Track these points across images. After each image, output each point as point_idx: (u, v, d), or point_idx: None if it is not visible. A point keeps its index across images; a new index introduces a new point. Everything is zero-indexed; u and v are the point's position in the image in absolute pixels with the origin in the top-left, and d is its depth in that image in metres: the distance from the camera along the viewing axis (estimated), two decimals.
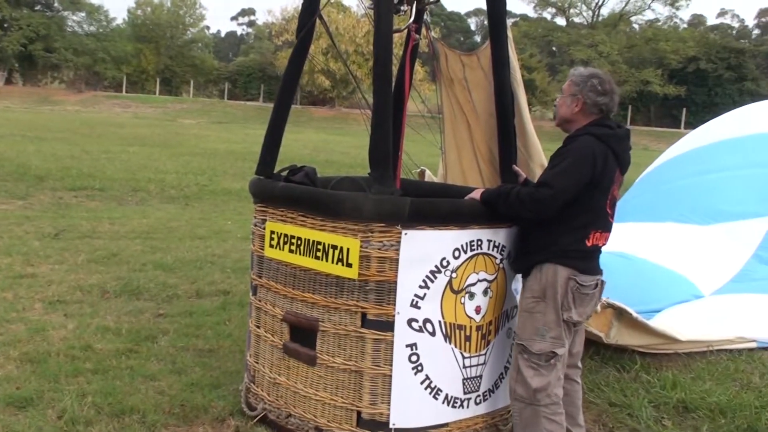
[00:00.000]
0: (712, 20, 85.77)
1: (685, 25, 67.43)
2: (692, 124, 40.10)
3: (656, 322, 5.31)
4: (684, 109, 49.71)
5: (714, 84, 52.77)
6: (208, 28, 78.83)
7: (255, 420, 3.80)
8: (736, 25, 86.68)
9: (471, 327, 3.50)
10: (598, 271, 3.46)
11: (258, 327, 3.89)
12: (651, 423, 4.15)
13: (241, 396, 4.01)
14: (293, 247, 3.59)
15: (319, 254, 3.46)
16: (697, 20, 79.31)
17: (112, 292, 6.23)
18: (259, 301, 3.88)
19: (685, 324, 5.50)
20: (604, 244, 3.47)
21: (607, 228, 3.44)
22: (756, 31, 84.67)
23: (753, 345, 5.48)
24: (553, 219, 3.31)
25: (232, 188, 13.73)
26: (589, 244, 3.36)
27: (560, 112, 3.49)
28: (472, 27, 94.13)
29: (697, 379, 4.81)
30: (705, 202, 8.84)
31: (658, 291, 6.43)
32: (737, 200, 8.66)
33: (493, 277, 3.55)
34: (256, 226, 3.91)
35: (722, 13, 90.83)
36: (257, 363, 3.90)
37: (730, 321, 5.76)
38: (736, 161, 9.35)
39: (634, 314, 4.88)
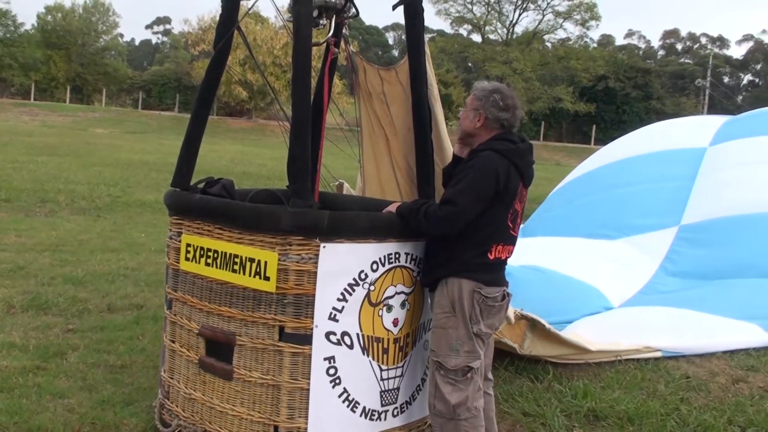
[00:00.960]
0: (620, 40, 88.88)
1: (595, 45, 69.68)
2: (602, 141, 41.48)
3: (568, 333, 5.45)
4: (594, 126, 51.30)
5: (622, 102, 54.74)
6: (121, 35, 77.33)
7: None
8: (642, 45, 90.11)
9: (389, 339, 3.52)
10: (503, 283, 3.51)
11: (173, 342, 3.82)
12: (563, 431, 4.24)
13: (155, 413, 3.92)
14: (210, 260, 3.54)
15: (236, 267, 3.42)
16: (606, 40, 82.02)
17: (18, 306, 6.00)
18: (174, 315, 3.81)
19: (595, 335, 5.66)
20: (507, 257, 3.53)
21: (509, 241, 3.49)
22: (661, 52, 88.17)
23: (659, 354, 5.68)
24: (455, 234, 3.35)
25: (146, 200, 13.42)
26: (491, 257, 3.40)
27: (463, 125, 3.53)
28: (390, 41, 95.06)
29: (607, 388, 4.96)
30: (614, 217, 9.19)
31: (570, 303, 6.61)
32: (644, 213, 9.04)
33: (411, 289, 3.58)
34: (171, 238, 3.84)
35: (630, 34, 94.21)
36: (172, 378, 3.82)
37: (637, 331, 5.96)
38: (643, 176, 9.78)
39: (547, 325, 5.00)
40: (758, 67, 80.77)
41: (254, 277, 3.35)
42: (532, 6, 58.47)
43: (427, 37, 4.30)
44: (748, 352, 5.94)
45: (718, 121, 11.30)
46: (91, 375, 4.61)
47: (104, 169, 18.04)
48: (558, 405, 4.59)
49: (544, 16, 58.80)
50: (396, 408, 3.62)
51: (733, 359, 5.77)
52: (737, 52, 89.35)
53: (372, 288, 3.42)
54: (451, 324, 3.37)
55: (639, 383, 5.11)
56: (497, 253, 3.42)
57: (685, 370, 5.46)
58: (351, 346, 3.39)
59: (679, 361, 5.65)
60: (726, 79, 75.36)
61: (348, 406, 3.42)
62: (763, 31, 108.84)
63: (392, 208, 3.57)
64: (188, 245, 3.67)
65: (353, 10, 4.18)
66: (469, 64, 60.44)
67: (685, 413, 4.58)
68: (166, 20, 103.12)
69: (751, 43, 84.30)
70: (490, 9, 59.87)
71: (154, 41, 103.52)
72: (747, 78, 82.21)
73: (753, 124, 10.63)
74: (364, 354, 3.43)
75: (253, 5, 4.10)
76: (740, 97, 72.30)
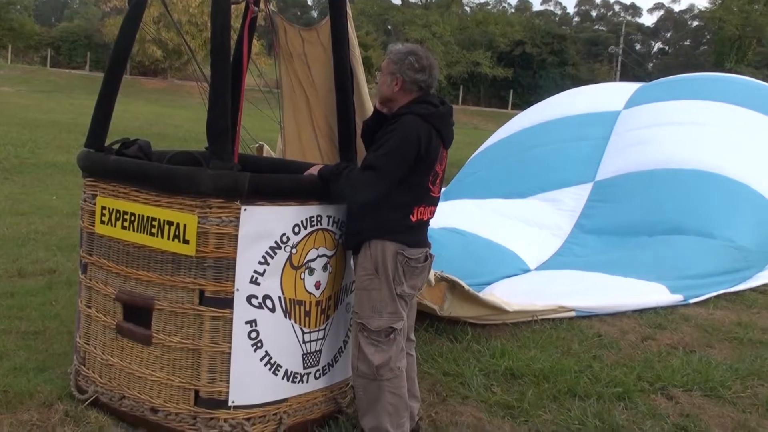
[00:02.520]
0: (537, 6, 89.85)
1: (513, 10, 70.39)
2: (519, 105, 42.11)
3: (486, 295, 5.56)
4: (511, 91, 51.96)
5: (538, 67, 55.56)
6: None
7: (86, 403, 3.64)
8: (558, 12, 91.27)
9: (311, 302, 3.51)
10: (425, 244, 3.53)
11: (88, 307, 3.73)
12: (481, 390, 4.34)
13: (71, 379, 3.83)
14: (126, 224, 3.46)
15: (154, 231, 3.35)
16: (523, 6, 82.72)
17: None
18: (90, 279, 3.71)
19: (512, 296, 5.79)
20: (430, 218, 3.55)
21: (431, 202, 3.51)
22: (576, 19, 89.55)
23: (572, 314, 5.86)
24: (378, 198, 3.35)
25: (57, 161, 12.97)
26: (413, 219, 3.41)
27: (381, 90, 3.49)
28: (309, 2, 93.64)
29: (523, 348, 5.09)
30: (532, 174, 9.48)
31: (489, 265, 6.74)
32: (561, 169, 9.31)
33: (333, 252, 3.58)
34: (85, 201, 3.73)
35: (546, 0, 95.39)
36: (88, 344, 3.74)
37: (552, 293, 6.12)
38: (560, 136, 10.08)
39: (466, 287, 5.08)
40: (668, 35, 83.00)
41: (173, 240, 3.29)
42: None
43: None
44: (656, 310, 6.19)
45: (632, 87, 11.80)
46: (2, 342, 4.46)
47: (11, 129, 17.31)
48: (477, 364, 4.69)
49: None
50: (318, 370, 3.63)
51: (642, 318, 6.00)
52: (649, 20, 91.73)
53: (294, 251, 3.40)
54: (375, 285, 3.39)
55: (554, 342, 5.27)
56: (419, 215, 3.44)
57: (597, 329, 5.65)
58: (273, 310, 3.37)
59: (592, 320, 5.84)
60: (638, 47, 77.18)
61: (270, 369, 3.41)
62: (673, 0, 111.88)
63: (314, 170, 3.54)
64: (103, 208, 3.57)
65: None
66: (389, 27, 60.19)
67: (598, 370, 4.75)
68: None
69: (661, 12, 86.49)
70: None
71: None
72: (658, 45, 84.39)
73: (664, 89, 11.13)
74: (286, 317, 3.42)
75: None
76: (651, 64, 74.24)
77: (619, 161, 9.14)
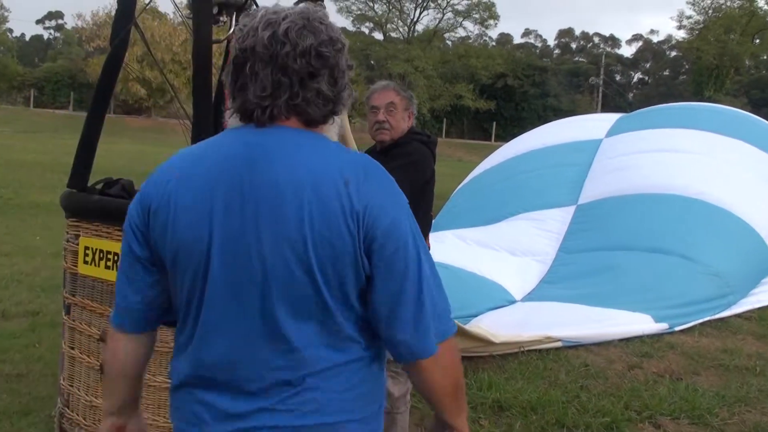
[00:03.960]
0: (518, 39, 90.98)
1: (494, 43, 71.15)
2: (502, 137, 42.42)
3: (472, 327, 5.56)
4: (494, 123, 52.33)
5: (520, 99, 56.01)
6: (11, 30, 74.10)
7: None
8: (539, 44, 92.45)
9: None
10: None
11: (72, 348, 3.70)
12: (469, 423, 4.31)
13: (55, 422, 3.79)
14: (110, 263, 3.45)
15: None
16: (504, 39, 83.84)
17: None
18: (73, 320, 3.68)
19: (499, 327, 5.79)
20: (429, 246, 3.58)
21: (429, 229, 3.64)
22: (557, 51, 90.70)
23: (559, 344, 5.86)
24: None
25: (40, 201, 12.92)
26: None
27: (399, 126, 3.56)
28: None
29: (511, 379, 5.08)
30: (515, 197, 9.56)
31: (475, 297, 6.76)
32: (544, 193, 9.42)
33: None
34: (68, 241, 3.72)
35: (527, 33, 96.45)
36: (72, 386, 3.70)
37: (538, 323, 6.13)
38: (544, 163, 10.21)
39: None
40: (647, 65, 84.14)
41: None
42: (432, 4, 59.27)
43: None
44: (642, 339, 6.21)
45: (613, 117, 12.09)
46: None
47: None
48: None
49: (444, 14, 59.73)
50: None
51: (629, 347, 6.01)
52: (628, 51, 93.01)
53: None
54: None
55: (541, 373, 5.26)
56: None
57: (584, 358, 5.65)
58: None
59: (579, 350, 5.85)
60: (618, 77, 78.13)
61: None
62: (651, 32, 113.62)
63: None
64: (86, 248, 3.56)
65: (254, 7, 4.13)
66: (372, 62, 60.67)
67: (585, 400, 4.75)
68: (58, 15, 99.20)
69: (640, 43, 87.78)
70: (391, 7, 60.31)
71: (45, 36, 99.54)
72: (637, 76, 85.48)
73: (645, 118, 11.43)
74: None
75: (151, 1, 4.00)
76: (631, 94, 75.15)
77: (601, 186, 9.28)
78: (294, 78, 1.63)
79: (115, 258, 3.42)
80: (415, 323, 1.64)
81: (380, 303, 1.63)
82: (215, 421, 1.66)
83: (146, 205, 1.71)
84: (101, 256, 3.48)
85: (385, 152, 3.51)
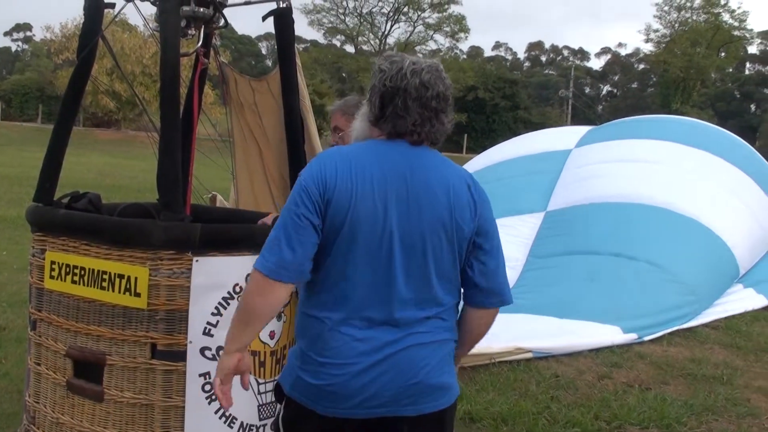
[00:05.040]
0: (488, 52, 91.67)
1: (465, 56, 71.64)
2: (473, 149, 42.64)
3: None
4: (465, 135, 52.60)
5: (491, 112, 56.37)
6: None
7: None
8: (509, 57, 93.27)
9: (265, 352, 3.48)
10: None
11: (38, 364, 3.64)
12: None
13: None
14: (76, 278, 3.41)
15: (104, 284, 3.31)
16: (475, 52, 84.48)
17: None
18: (39, 336, 3.63)
19: None
20: None
21: None
22: (527, 64, 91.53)
23: (530, 355, 5.89)
24: None
25: (6, 215, 12.74)
26: None
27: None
28: (263, 51, 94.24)
29: (482, 391, 5.10)
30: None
31: None
32: (514, 199, 9.52)
33: (287, 301, 3.56)
34: (34, 256, 3.67)
35: (497, 46, 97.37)
36: (37, 403, 3.65)
37: (509, 335, 6.15)
38: (513, 172, 10.29)
39: None
40: (616, 78, 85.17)
41: (124, 293, 3.25)
42: (403, 18, 59.59)
43: (300, 47, 4.31)
44: (612, 349, 6.26)
45: (583, 129, 12.28)
46: None
47: None
48: None
49: (415, 27, 60.10)
50: None
51: (598, 357, 6.06)
52: (597, 64, 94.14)
53: None
54: None
55: (512, 384, 5.29)
56: None
57: (554, 369, 5.68)
58: None
59: (549, 361, 5.88)
60: (587, 90, 79.11)
61: (225, 422, 3.36)
62: (620, 44, 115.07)
63: (267, 219, 3.55)
64: (53, 263, 3.52)
65: (222, 20, 4.13)
66: (343, 75, 60.79)
67: (555, 411, 4.78)
68: (26, 27, 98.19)
69: (608, 56, 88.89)
70: (362, 20, 60.56)
71: (14, 48, 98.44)
72: (606, 88, 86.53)
73: (614, 130, 11.66)
74: None
75: (117, 14, 3.99)
76: (600, 107, 76.02)
77: (569, 193, 9.41)
78: (431, 113, 2.33)
79: (82, 272, 3.38)
80: (506, 281, 2.43)
81: (490, 265, 2.37)
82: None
83: (329, 184, 2.20)
84: (67, 270, 3.44)
85: None
